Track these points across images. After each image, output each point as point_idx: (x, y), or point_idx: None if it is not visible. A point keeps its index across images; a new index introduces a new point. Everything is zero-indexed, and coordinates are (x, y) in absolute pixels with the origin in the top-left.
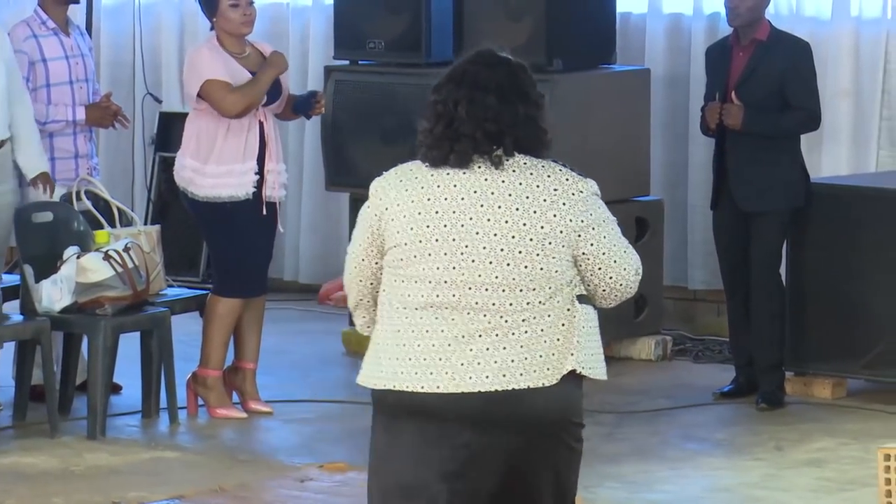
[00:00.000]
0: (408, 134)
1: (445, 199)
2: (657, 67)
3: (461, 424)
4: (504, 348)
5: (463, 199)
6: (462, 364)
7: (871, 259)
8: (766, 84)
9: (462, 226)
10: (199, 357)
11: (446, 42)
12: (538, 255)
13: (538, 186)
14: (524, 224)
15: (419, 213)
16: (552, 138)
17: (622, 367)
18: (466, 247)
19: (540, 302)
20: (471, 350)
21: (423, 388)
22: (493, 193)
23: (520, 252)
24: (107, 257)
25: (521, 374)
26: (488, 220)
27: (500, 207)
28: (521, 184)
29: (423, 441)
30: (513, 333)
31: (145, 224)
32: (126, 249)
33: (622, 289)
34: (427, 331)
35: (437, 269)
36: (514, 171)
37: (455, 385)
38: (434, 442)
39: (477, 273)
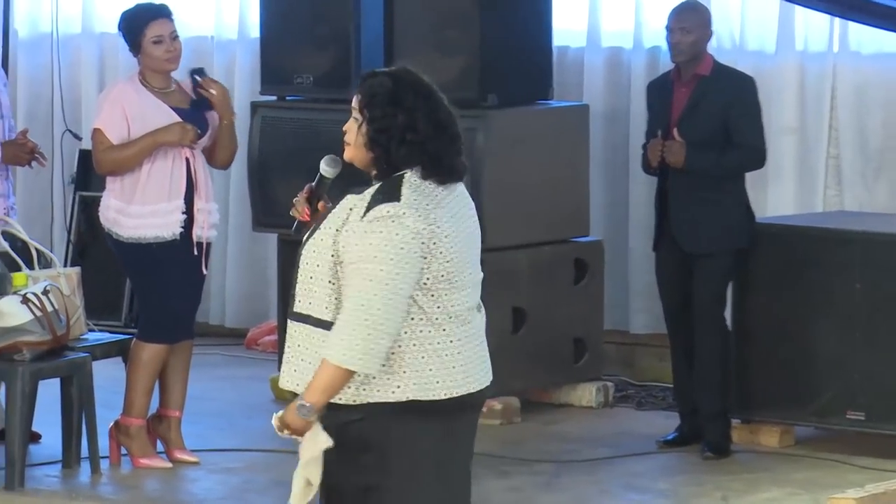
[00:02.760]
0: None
1: (458, 209)
2: (596, 103)
3: (477, 412)
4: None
5: (462, 207)
6: (486, 359)
7: (819, 302)
8: (709, 120)
9: (471, 232)
10: (121, 404)
11: None
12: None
13: (466, 193)
14: (478, 226)
15: (457, 226)
16: None
17: (562, 413)
18: (475, 249)
19: None
20: (485, 343)
21: (477, 386)
22: (464, 202)
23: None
24: (25, 301)
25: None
26: (473, 222)
27: (471, 212)
28: (463, 192)
29: (471, 435)
30: None
31: (65, 266)
32: (45, 292)
33: None
34: (472, 333)
35: (470, 273)
36: None
37: (488, 378)
38: (472, 433)
39: (479, 273)
